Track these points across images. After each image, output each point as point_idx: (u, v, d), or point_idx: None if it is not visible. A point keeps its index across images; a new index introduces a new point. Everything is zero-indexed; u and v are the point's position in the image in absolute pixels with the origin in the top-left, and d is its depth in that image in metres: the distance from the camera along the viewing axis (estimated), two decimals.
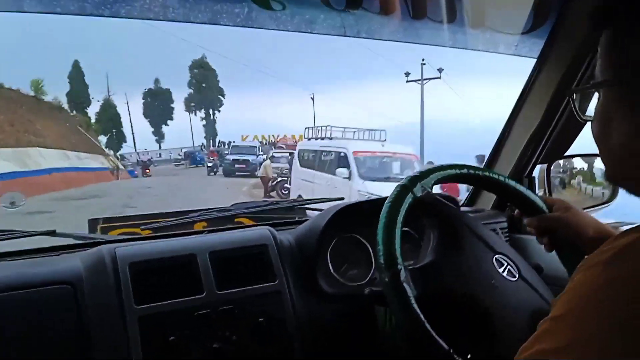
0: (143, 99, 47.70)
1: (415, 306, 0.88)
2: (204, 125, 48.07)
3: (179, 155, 38.59)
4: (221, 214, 1.58)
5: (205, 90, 46.94)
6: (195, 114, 47.72)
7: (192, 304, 1.13)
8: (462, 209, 1.72)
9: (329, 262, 1.33)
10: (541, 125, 1.62)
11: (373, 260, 1.37)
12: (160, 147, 46.12)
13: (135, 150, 42.62)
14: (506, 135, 1.74)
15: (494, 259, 1.02)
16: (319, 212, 1.54)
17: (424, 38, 1.60)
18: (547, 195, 1.62)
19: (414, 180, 1.02)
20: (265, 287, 1.22)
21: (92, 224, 1.49)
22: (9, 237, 1.29)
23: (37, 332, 1.03)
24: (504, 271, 1.01)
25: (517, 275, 1.02)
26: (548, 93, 1.57)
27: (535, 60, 1.59)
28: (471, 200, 1.89)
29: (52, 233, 1.34)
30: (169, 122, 47.64)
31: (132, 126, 45.21)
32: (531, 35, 1.56)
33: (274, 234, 1.32)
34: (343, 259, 1.37)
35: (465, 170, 1.10)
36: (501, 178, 1.14)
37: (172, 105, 47.80)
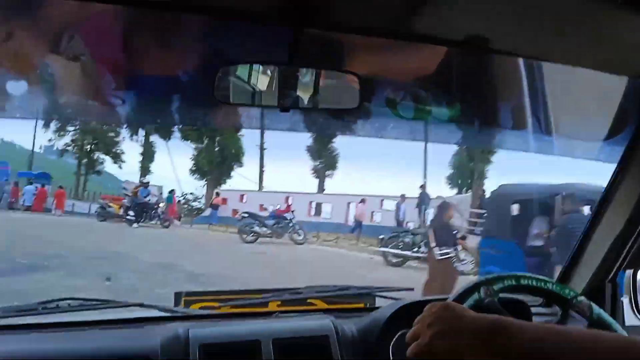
0: None
1: None
2: None
3: None
4: (293, 297, 1.67)
5: None
6: None
7: None
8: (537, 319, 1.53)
9: (391, 356, 1.33)
10: (625, 231, 1.56)
11: None
12: None
13: None
14: (586, 241, 1.68)
15: None
16: (387, 301, 1.58)
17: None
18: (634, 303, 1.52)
19: (485, 282, 1.04)
20: None
21: (177, 296, 1.66)
22: (103, 307, 1.49)
23: None
24: None
25: None
26: (631, 198, 1.52)
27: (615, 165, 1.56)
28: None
29: (140, 305, 1.51)
30: None
31: None
32: (610, 141, 1.55)
33: (336, 324, 1.37)
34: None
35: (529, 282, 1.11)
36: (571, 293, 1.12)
37: None
